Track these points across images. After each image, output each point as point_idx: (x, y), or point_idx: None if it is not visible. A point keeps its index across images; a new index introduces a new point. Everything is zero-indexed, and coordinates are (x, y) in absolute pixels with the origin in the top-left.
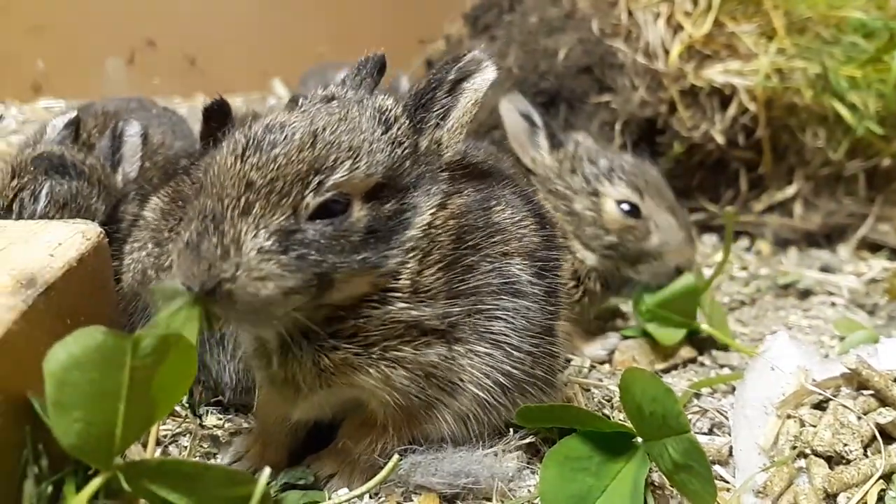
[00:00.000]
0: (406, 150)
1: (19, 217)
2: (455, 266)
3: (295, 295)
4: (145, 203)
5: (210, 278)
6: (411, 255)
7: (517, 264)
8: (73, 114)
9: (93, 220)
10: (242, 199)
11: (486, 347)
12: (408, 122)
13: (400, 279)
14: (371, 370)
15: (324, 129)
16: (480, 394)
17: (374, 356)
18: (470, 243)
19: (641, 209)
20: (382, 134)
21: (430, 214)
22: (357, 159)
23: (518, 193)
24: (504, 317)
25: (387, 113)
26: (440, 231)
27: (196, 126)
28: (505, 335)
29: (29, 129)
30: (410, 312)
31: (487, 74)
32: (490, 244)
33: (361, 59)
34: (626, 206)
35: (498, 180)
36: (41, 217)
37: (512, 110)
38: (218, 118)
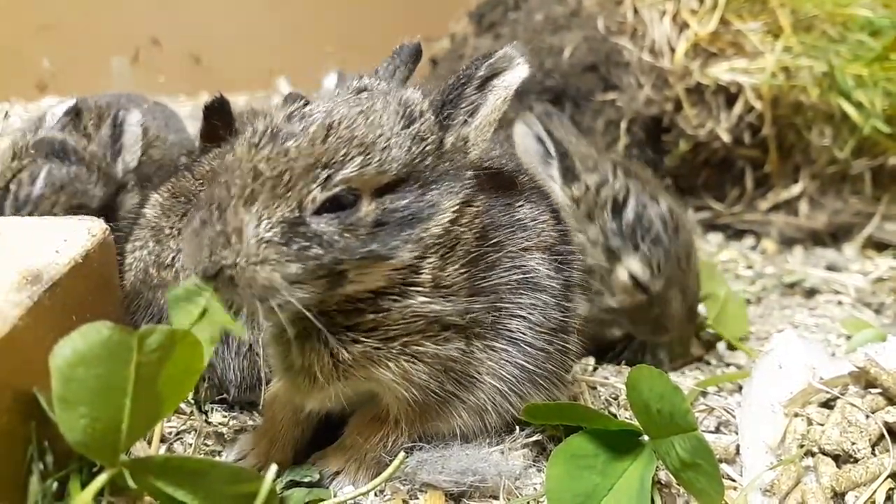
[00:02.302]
0: (429, 146)
1: (15, 197)
2: (478, 262)
3: (301, 284)
4: (146, 200)
5: (211, 264)
6: (432, 250)
7: (537, 258)
8: (73, 101)
9: (90, 205)
10: (248, 189)
11: (503, 344)
12: (433, 117)
13: (421, 274)
14: (391, 364)
15: (339, 123)
16: (496, 387)
17: (394, 350)
18: (493, 240)
19: (651, 288)
20: (403, 129)
21: (454, 212)
22: (369, 155)
23: (536, 189)
24: (522, 313)
25: (411, 107)
26: (464, 228)
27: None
28: (522, 332)
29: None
30: (432, 307)
31: (519, 72)
32: (512, 241)
33: (396, 46)
34: (637, 281)
35: (517, 176)
36: (37, 198)
37: (527, 134)
38: (219, 116)
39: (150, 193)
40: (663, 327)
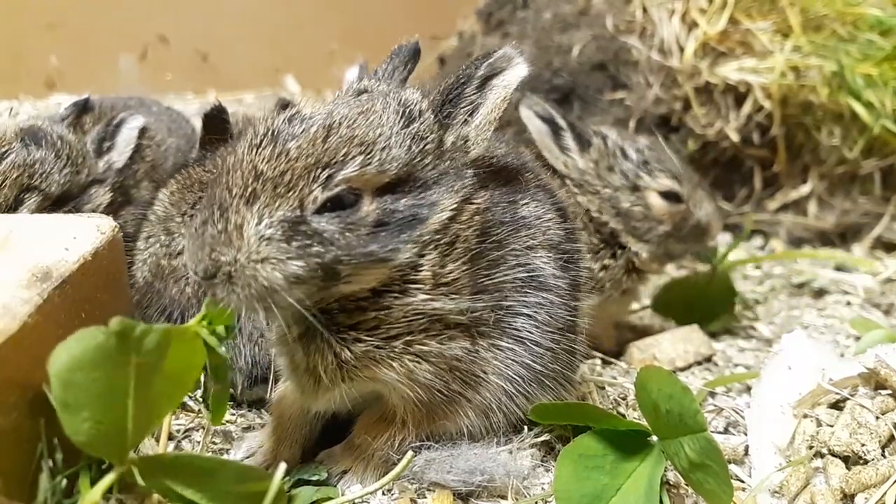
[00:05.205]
0: (428, 146)
1: None
2: (480, 260)
3: (299, 284)
4: (153, 198)
5: (212, 262)
6: (430, 248)
7: (542, 257)
8: (84, 98)
9: (45, 189)
10: (249, 189)
11: (508, 343)
12: (433, 117)
13: (421, 271)
14: (394, 364)
15: (340, 124)
16: (503, 386)
17: (397, 349)
18: (495, 238)
19: (682, 194)
20: (403, 129)
21: (452, 210)
22: (370, 155)
23: (541, 187)
24: (528, 312)
25: (411, 107)
26: (464, 226)
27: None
28: (528, 331)
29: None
30: (433, 304)
31: (518, 71)
32: (516, 239)
33: (395, 46)
34: (669, 195)
35: (522, 174)
36: None
37: (532, 116)
38: (217, 125)
39: (157, 191)
40: (706, 231)
